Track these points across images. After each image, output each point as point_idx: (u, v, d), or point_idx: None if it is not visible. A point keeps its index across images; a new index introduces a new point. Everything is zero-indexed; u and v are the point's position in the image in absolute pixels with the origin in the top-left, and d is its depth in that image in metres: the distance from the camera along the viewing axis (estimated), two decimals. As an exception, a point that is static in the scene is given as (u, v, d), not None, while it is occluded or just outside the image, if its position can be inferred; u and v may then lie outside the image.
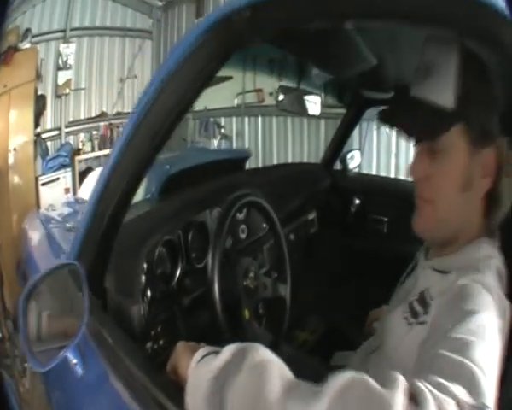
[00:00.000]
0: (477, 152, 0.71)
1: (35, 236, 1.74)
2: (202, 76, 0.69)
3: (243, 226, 1.36)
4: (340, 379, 0.47)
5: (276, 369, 0.52)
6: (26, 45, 4.28)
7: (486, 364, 0.53)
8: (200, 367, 0.59)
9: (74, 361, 0.75)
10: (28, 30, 4.39)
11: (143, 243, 0.99)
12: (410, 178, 0.79)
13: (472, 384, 0.49)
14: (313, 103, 1.67)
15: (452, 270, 0.72)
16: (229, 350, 0.57)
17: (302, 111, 1.69)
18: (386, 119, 0.82)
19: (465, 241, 0.75)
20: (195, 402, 0.57)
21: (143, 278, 0.98)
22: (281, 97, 1.63)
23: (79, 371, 0.76)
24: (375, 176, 2.37)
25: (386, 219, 1.99)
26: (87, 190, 2.85)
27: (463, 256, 0.74)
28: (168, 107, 0.70)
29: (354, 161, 2.26)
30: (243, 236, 1.36)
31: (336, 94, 2.30)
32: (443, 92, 0.70)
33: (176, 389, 0.61)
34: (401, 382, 0.47)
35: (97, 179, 0.82)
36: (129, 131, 0.73)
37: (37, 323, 0.67)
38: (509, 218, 0.79)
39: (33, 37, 4.44)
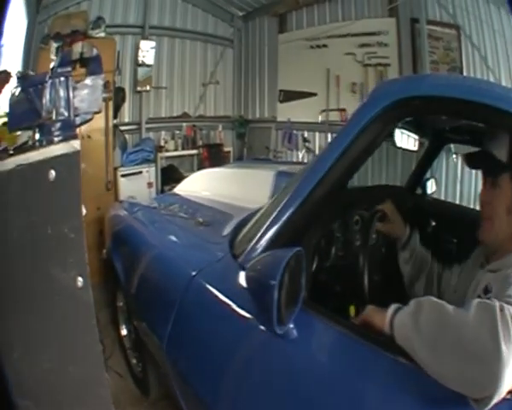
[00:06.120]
0: None
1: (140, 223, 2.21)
2: (383, 132, 1.10)
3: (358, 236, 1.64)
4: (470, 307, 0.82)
5: (439, 301, 0.88)
6: (100, 34, 4.23)
7: None
8: (399, 314, 0.94)
9: (291, 326, 1.05)
10: (101, 18, 4.31)
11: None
12: (474, 207, 1.18)
13: None
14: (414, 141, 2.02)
15: (503, 268, 1.02)
16: (412, 303, 0.93)
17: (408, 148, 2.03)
18: (467, 162, 1.31)
19: (508, 249, 1.08)
20: (406, 329, 0.90)
21: None
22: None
23: (295, 333, 1.06)
24: (448, 203, 2.64)
25: (455, 241, 2.22)
26: (187, 187, 3.17)
27: (510, 259, 1.06)
28: (361, 149, 1.10)
29: (431, 187, 2.57)
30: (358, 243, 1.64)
31: (421, 131, 2.59)
32: (500, 151, 1.11)
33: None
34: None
35: (300, 185, 1.19)
36: (333, 158, 1.12)
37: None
38: None
39: (107, 27, 4.37)
